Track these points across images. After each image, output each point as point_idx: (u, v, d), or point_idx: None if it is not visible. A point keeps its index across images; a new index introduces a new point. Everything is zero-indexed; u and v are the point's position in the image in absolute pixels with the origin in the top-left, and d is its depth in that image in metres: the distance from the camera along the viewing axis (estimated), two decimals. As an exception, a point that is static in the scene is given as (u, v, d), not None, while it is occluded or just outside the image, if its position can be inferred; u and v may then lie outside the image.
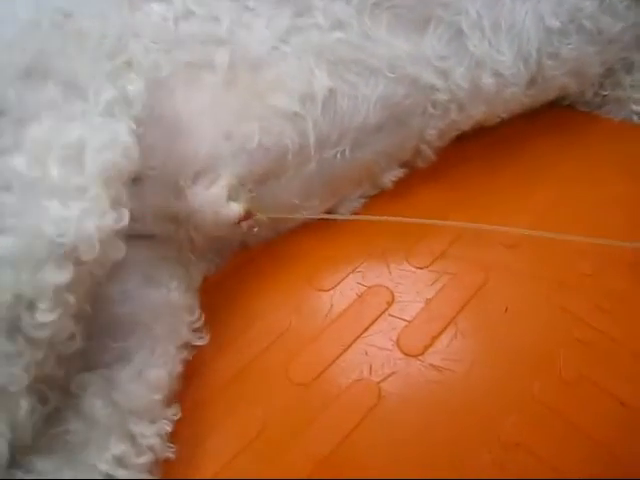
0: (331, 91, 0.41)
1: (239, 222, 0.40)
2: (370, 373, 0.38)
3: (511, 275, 0.44)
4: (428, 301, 0.41)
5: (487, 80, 0.45)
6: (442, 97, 0.45)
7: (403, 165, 0.48)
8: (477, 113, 0.47)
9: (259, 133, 0.39)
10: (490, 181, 0.50)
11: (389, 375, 0.38)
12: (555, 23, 0.47)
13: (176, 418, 0.35)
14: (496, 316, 0.41)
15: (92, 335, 0.34)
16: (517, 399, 0.37)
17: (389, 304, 0.41)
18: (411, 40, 0.44)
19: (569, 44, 0.48)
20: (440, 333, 0.40)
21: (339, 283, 0.42)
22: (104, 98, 0.33)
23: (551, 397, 0.37)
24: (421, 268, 0.44)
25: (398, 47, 0.43)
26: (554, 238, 0.42)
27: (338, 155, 0.43)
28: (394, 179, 0.48)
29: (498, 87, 0.46)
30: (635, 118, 0.57)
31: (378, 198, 0.47)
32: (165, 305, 0.37)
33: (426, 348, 0.39)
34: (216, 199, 0.39)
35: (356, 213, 0.47)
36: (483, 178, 0.50)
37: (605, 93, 0.57)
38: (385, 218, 0.44)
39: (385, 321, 0.40)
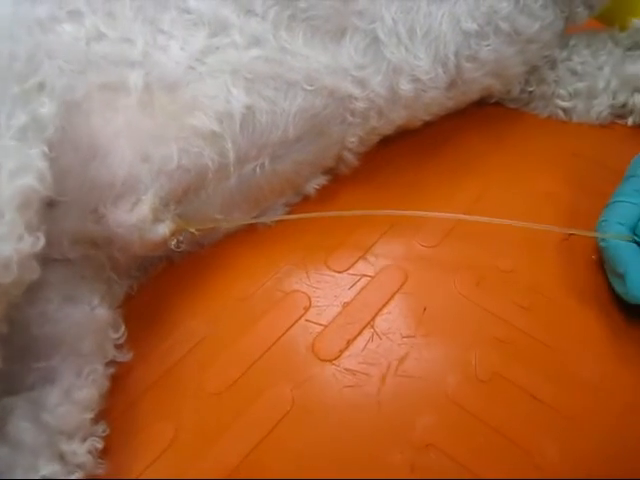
0: (249, 108, 0.42)
1: (167, 241, 0.40)
2: (284, 380, 0.38)
3: (430, 276, 0.45)
4: (345, 305, 0.43)
5: (405, 86, 0.46)
6: (361, 105, 0.46)
7: (326, 172, 0.49)
8: (397, 118, 0.48)
9: (178, 154, 0.40)
10: (415, 180, 0.52)
11: (303, 381, 0.39)
12: (472, 26, 0.47)
13: (105, 434, 0.36)
14: (414, 317, 0.42)
15: (13, 358, 0.34)
16: (430, 399, 0.38)
17: (306, 309, 0.42)
18: (328, 51, 0.45)
19: (487, 46, 0.49)
20: (356, 336, 0.41)
21: (257, 291, 0.43)
22: (16, 122, 0.32)
23: (464, 396, 0.39)
24: (340, 272, 0.45)
25: (315, 59, 0.44)
26: (488, 223, 0.43)
27: (257, 168, 0.44)
28: (317, 187, 0.49)
29: (417, 92, 0.47)
30: (560, 113, 0.58)
31: (302, 206, 0.48)
32: (89, 323, 0.38)
33: (341, 352, 0.40)
34: (141, 223, 0.39)
35: (281, 221, 0.47)
36: (408, 178, 0.51)
37: (531, 89, 0.58)
38: (320, 214, 0.45)
39: (301, 327, 0.41)
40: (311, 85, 0.43)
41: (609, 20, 0.60)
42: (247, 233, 0.47)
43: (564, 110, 0.59)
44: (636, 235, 0.42)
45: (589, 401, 0.39)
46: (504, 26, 0.49)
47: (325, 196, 0.49)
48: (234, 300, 0.43)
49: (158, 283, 0.44)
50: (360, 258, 0.46)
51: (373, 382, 0.39)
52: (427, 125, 0.54)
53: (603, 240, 0.43)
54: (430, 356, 0.40)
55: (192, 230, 0.41)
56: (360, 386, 0.39)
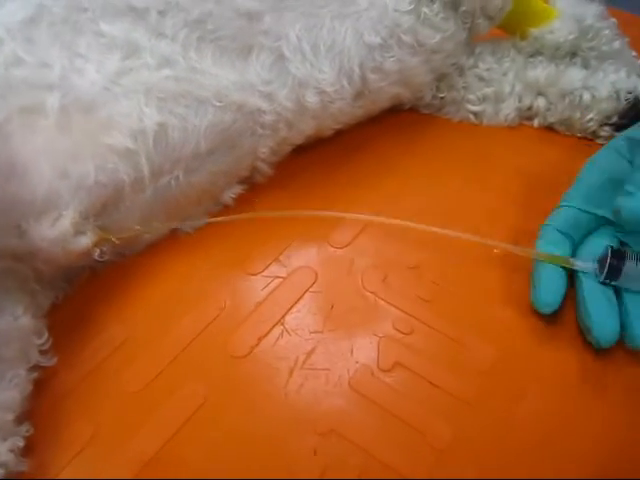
0: (161, 125, 0.45)
1: (90, 251, 0.43)
2: (198, 376, 0.42)
3: (339, 275, 0.48)
4: (258, 305, 0.46)
5: (311, 98, 0.49)
6: (269, 118, 0.49)
7: (242, 182, 0.52)
8: (307, 128, 0.52)
9: (95, 171, 0.43)
10: (329, 185, 0.55)
11: (216, 377, 0.42)
12: (375, 40, 0.51)
13: (29, 434, 0.39)
14: (322, 314, 0.46)
15: None
16: (334, 389, 0.42)
17: (222, 310, 0.45)
18: (236, 69, 0.48)
19: (391, 57, 0.52)
20: (267, 334, 0.44)
21: (176, 295, 0.46)
22: None
23: (366, 385, 0.42)
24: (254, 275, 0.48)
25: (224, 77, 0.47)
26: (398, 224, 0.47)
27: (172, 181, 0.46)
28: (234, 195, 0.52)
29: (323, 103, 0.50)
30: (471, 117, 0.62)
31: (221, 213, 0.51)
32: (12, 331, 0.41)
33: (252, 349, 0.43)
34: (63, 236, 0.42)
35: (201, 229, 0.50)
36: (322, 184, 0.55)
37: (442, 95, 0.62)
38: (233, 217, 0.49)
39: (216, 327, 0.44)
40: (220, 101, 0.46)
41: (511, 30, 0.64)
42: (168, 242, 0.50)
43: (474, 114, 0.63)
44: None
45: (484, 387, 0.42)
46: (407, 38, 0.53)
47: (242, 204, 0.52)
48: (155, 305, 0.46)
49: (83, 292, 0.47)
50: (274, 261, 0.49)
51: (281, 375, 0.42)
52: (341, 133, 0.57)
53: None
54: (335, 349, 0.44)
55: (113, 239, 0.44)
56: (269, 379, 0.42)
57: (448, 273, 0.49)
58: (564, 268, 0.46)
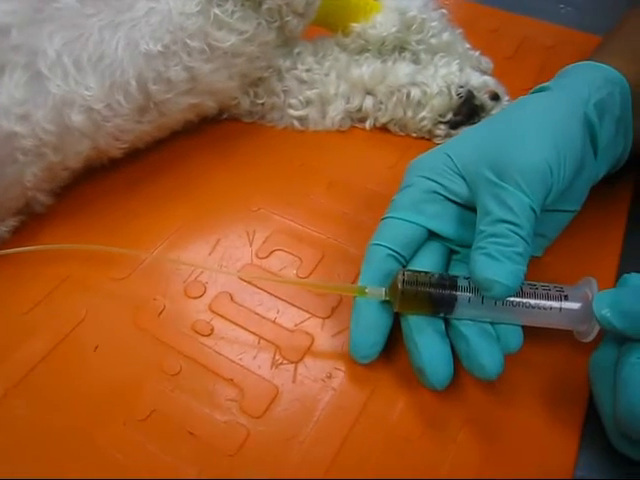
0: None
1: None
2: None
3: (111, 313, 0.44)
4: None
5: (77, 117, 0.45)
6: (30, 143, 0.44)
7: (18, 213, 0.48)
8: (83, 150, 0.47)
9: None
10: (118, 214, 0.51)
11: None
12: (154, 48, 0.47)
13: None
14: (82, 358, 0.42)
15: None
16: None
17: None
18: None
19: (176, 66, 0.48)
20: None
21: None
22: None
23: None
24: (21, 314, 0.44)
25: (-28, 101, 0.42)
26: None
27: None
28: (10, 229, 0.47)
29: (94, 122, 0.46)
30: (296, 123, 0.58)
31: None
32: None
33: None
34: None
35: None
36: (112, 213, 0.50)
37: (261, 102, 0.58)
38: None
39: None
40: None
41: (332, 27, 0.59)
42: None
43: (299, 119, 0.58)
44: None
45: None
46: (194, 44, 0.48)
47: (24, 237, 0.48)
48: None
49: None
50: (45, 297, 0.45)
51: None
52: (146, 151, 0.53)
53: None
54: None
55: None
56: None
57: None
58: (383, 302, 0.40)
